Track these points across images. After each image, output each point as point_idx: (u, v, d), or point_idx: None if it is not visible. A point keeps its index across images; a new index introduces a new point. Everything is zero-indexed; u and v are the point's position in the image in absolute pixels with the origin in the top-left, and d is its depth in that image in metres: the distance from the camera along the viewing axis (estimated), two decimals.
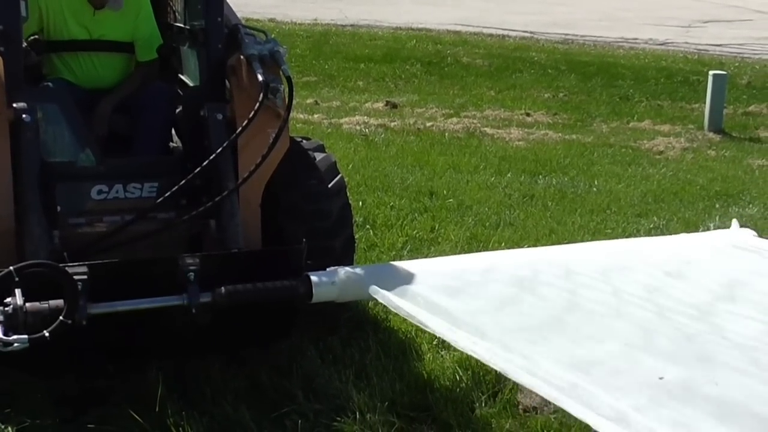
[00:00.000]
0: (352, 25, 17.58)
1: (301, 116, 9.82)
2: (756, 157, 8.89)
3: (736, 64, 14.35)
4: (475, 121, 10.09)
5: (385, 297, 3.36)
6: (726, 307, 3.41)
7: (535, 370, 2.83)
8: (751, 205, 7.02)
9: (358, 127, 9.50)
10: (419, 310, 3.25)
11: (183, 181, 3.67)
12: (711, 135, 9.92)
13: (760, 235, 4.44)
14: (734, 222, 4.60)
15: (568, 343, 3.06)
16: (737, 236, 4.36)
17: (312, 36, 15.75)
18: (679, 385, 2.70)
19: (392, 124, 9.75)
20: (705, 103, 10.37)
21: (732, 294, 3.54)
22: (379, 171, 7.50)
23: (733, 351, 2.99)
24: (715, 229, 6.05)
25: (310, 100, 10.90)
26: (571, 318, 3.27)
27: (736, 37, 17.43)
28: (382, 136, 9.12)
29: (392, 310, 3.37)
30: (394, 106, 10.88)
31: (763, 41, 17.05)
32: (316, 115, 10.07)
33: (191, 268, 3.31)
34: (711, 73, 10.44)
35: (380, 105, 10.90)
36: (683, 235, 4.85)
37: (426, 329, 3.29)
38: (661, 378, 2.74)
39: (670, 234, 5.91)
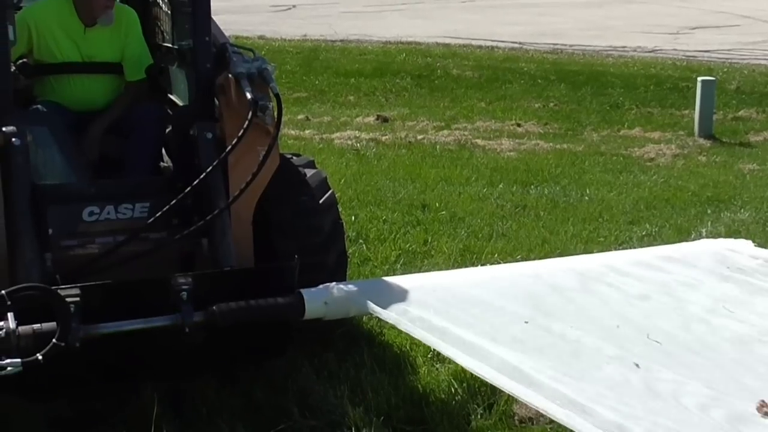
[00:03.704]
0: (341, 41, 17.63)
1: (293, 132, 9.84)
2: (747, 162, 8.90)
3: (725, 70, 14.39)
4: (466, 133, 10.11)
5: (382, 312, 3.37)
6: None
7: (533, 383, 2.85)
8: (742, 210, 7.03)
9: (349, 142, 9.52)
10: (414, 326, 3.27)
11: (174, 201, 3.67)
12: (701, 141, 9.94)
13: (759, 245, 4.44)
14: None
15: (567, 356, 3.08)
16: (736, 246, 4.37)
17: (302, 52, 15.79)
18: None
19: (383, 138, 9.77)
20: (695, 109, 10.38)
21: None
22: (372, 185, 7.51)
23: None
24: (707, 235, 6.07)
25: (301, 116, 10.91)
26: (571, 334, 3.29)
27: (724, 42, 17.48)
28: (374, 150, 9.14)
29: (390, 324, 3.38)
30: (385, 119, 10.89)
31: (750, 46, 17.12)
32: (307, 131, 10.08)
33: (184, 287, 3.31)
34: (700, 79, 10.46)
35: (371, 119, 10.91)
36: (681, 245, 4.82)
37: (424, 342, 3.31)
38: None
39: (663, 241, 5.94)
